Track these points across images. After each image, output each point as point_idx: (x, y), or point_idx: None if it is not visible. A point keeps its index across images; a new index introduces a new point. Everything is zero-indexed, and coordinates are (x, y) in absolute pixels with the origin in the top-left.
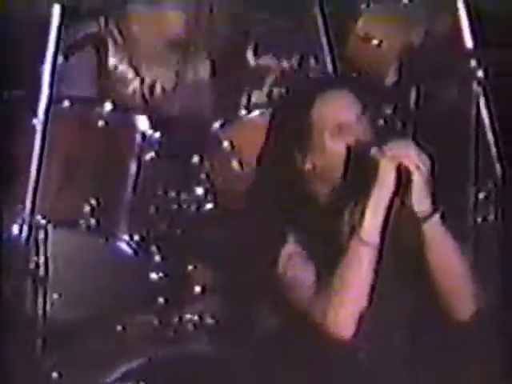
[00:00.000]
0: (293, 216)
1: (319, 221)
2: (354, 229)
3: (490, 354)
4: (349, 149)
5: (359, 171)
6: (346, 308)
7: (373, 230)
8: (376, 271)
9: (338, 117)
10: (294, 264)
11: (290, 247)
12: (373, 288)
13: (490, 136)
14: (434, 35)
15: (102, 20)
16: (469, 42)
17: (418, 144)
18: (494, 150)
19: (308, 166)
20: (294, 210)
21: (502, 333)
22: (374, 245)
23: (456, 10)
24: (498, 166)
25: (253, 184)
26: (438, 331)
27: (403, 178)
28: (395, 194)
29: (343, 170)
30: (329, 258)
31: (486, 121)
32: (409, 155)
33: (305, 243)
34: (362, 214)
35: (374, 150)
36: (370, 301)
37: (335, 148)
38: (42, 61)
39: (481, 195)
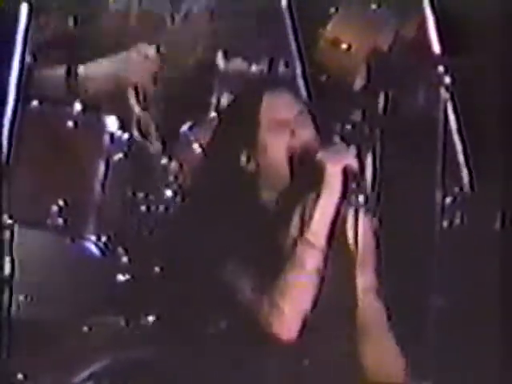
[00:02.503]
0: (239, 221)
1: (266, 226)
2: (302, 232)
3: None
4: (292, 150)
5: (305, 175)
6: (290, 309)
7: (319, 233)
8: (322, 275)
9: (276, 113)
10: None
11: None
12: (318, 292)
13: (457, 141)
14: (402, 40)
15: (71, 19)
16: (436, 48)
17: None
18: (460, 155)
19: (252, 165)
20: (240, 214)
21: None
22: (319, 248)
23: (424, 15)
24: (464, 172)
25: (198, 182)
26: None
27: (350, 181)
28: (343, 197)
29: (289, 172)
30: (275, 262)
31: (454, 126)
32: (352, 158)
33: (250, 248)
34: (310, 217)
35: (320, 155)
36: (315, 304)
37: (275, 145)
38: (9, 60)
39: (447, 200)
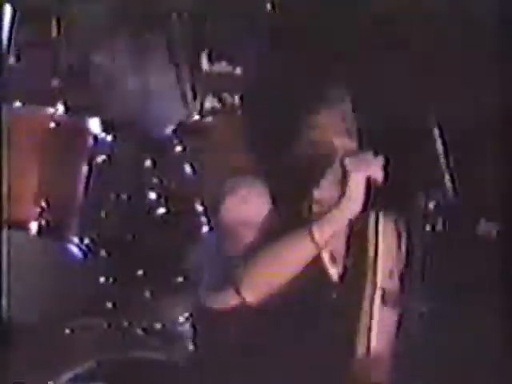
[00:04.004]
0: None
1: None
2: (310, 218)
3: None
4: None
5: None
6: (266, 281)
7: (327, 235)
8: (302, 267)
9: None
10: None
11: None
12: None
13: (439, 146)
14: None
15: (54, 20)
16: None
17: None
18: (443, 159)
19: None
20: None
21: None
22: (320, 247)
23: None
24: (447, 176)
25: None
26: None
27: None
28: (363, 207)
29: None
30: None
31: (436, 131)
32: (378, 169)
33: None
34: (324, 213)
35: (346, 161)
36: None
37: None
38: None
39: (430, 205)
